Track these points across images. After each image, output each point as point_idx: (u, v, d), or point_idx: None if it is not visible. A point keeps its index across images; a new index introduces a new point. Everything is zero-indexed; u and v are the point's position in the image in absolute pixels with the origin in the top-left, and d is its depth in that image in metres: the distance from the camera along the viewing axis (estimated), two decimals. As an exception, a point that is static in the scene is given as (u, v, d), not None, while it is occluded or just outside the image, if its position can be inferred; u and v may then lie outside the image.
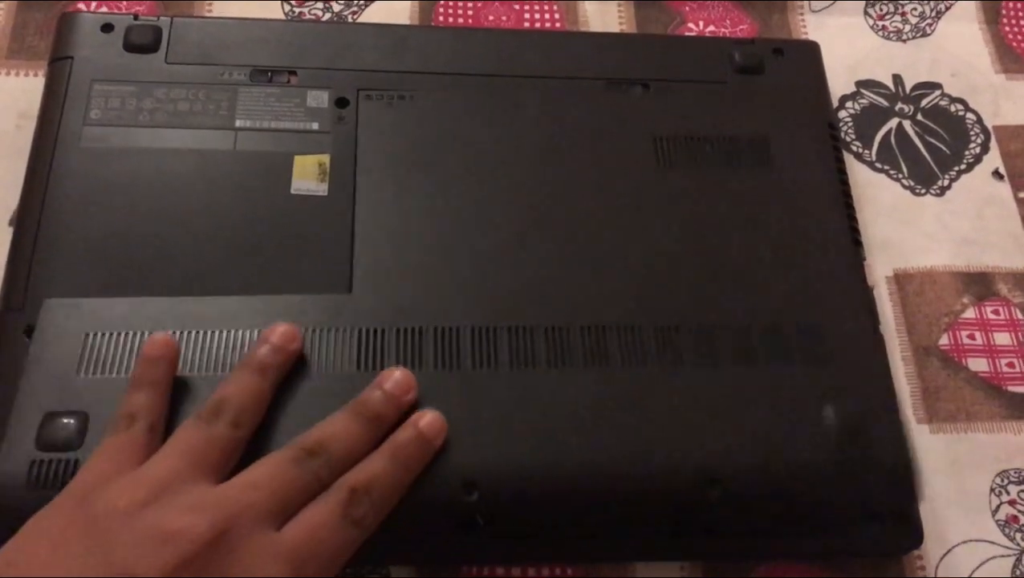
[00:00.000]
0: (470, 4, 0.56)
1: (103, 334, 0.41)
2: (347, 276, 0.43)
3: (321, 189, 0.46)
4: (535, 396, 0.41)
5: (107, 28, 0.49)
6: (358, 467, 0.36)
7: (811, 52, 0.54)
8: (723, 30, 0.57)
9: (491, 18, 0.56)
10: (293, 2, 0.55)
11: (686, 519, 0.41)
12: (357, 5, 0.55)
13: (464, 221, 0.45)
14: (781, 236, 0.47)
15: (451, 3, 0.56)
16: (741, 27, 0.58)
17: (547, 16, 0.56)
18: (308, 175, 0.46)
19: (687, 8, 0.58)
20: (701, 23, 0.57)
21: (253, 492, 0.34)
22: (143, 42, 0.48)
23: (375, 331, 0.42)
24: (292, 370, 0.40)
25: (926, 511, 0.43)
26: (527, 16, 0.56)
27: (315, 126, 0.47)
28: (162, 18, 0.49)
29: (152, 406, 0.38)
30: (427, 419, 0.39)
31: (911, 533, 0.42)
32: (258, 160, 0.46)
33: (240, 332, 0.41)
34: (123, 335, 0.41)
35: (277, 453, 0.36)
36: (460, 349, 0.42)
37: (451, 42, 0.51)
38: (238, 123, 0.47)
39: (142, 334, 0.41)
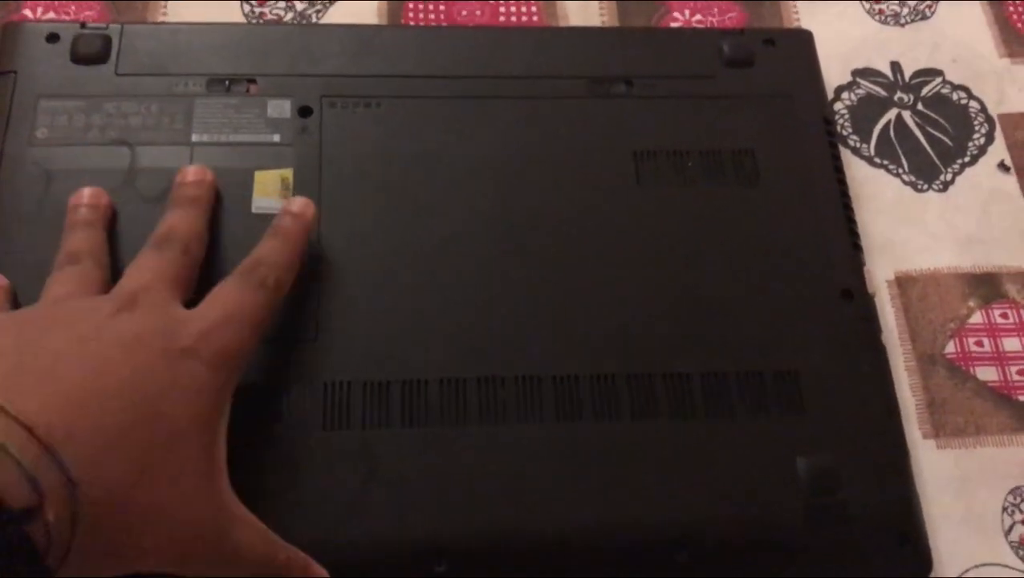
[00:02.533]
0: (441, 0, 0.53)
1: None
2: (314, 316, 0.41)
3: (284, 207, 0.43)
4: (504, 455, 0.39)
5: (53, 38, 0.46)
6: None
7: (804, 42, 0.51)
8: (710, 19, 0.54)
9: (464, 14, 0.53)
10: (254, 2, 0.52)
11: None
12: (321, 4, 0.52)
13: (432, 250, 0.43)
14: (769, 266, 0.44)
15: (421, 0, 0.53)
16: (730, 15, 0.54)
17: (523, 10, 0.53)
18: (270, 192, 0.43)
19: (672, -3, 0.55)
20: (687, 12, 0.54)
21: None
22: (91, 52, 0.45)
23: (341, 384, 0.40)
24: (255, 425, 0.38)
25: (934, 533, 0.41)
26: (502, 11, 0.53)
27: (277, 138, 0.44)
28: (111, 25, 0.46)
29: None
30: (297, 203, 0.40)
31: (919, 561, 0.40)
32: (216, 177, 0.43)
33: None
34: None
35: (142, 255, 0.37)
36: (428, 403, 0.40)
37: (421, 42, 0.48)
38: (194, 137, 0.44)
39: None
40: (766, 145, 0.47)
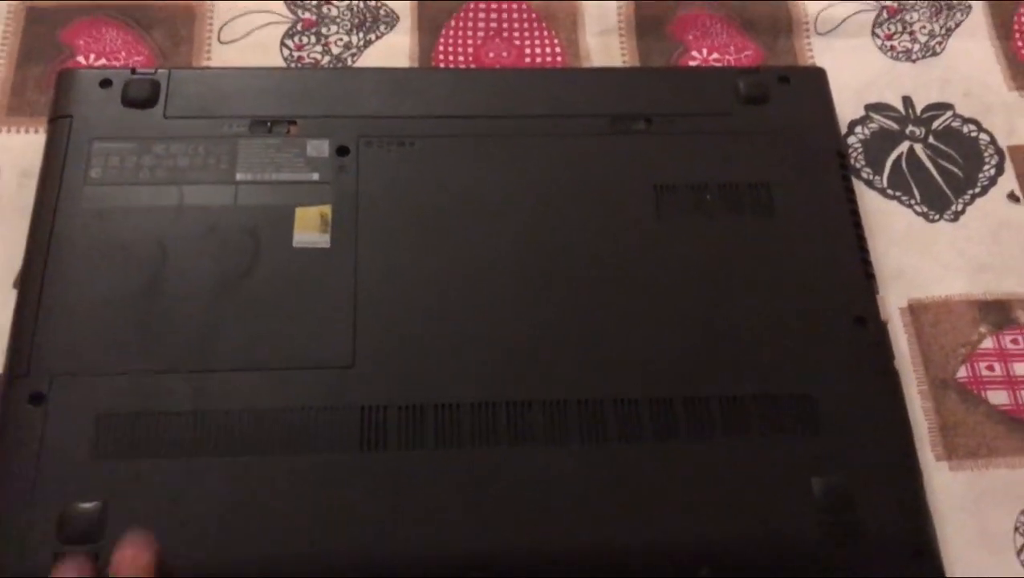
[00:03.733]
0: (470, 41, 0.56)
1: (115, 416, 0.41)
2: (350, 344, 0.43)
3: (323, 241, 0.45)
4: (533, 475, 0.41)
5: (105, 84, 0.49)
6: None
7: (818, 79, 0.53)
8: (727, 57, 0.56)
9: (491, 55, 0.55)
10: (292, 47, 0.55)
11: None
12: (356, 47, 0.55)
13: (463, 281, 0.45)
14: (785, 294, 0.46)
15: (451, 41, 0.56)
16: (746, 53, 0.57)
17: (548, 51, 0.56)
18: (310, 227, 0.46)
19: (690, 37, 0.57)
20: (704, 51, 0.57)
21: None
22: (141, 97, 0.48)
23: (376, 408, 0.42)
24: (296, 447, 0.41)
25: (948, 552, 0.42)
26: (528, 51, 0.56)
27: (316, 176, 0.47)
28: (159, 71, 0.49)
29: None
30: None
31: (933, 574, 0.41)
32: (260, 214, 0.46)
33: (245, 411, 0.41)
34: (135, 417, 0.41)
35: None
36: (460, 426, 0.42)
37: (451, 85, 0.51)
38: (239, 176, 0.47)
39: (152, 416, 0.41)
40: (781, 178, 0.49)
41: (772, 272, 0.47)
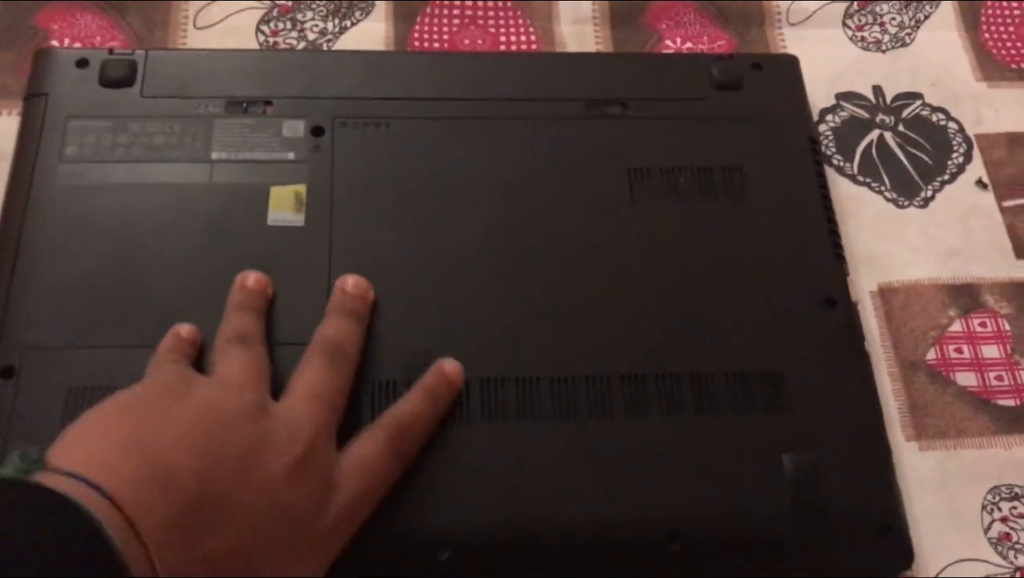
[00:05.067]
0: (445, 29, 0.56)
1: (86, 389, 0.41)
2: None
3: (298, 220, 0.45)
4: (505, 450, 0.41)
5: (82, 63, 0.49)
6: (399, 403, 0.40)
7: (790, 66, 0.53)
8: (701, 47, 0.57)
9: (467, 42, 0.56)
10: (268, 32, 0.55)
11: (649, 573, 0.41)
12: (332, 34, 0.55)
13: (435, 260, 0.45)
14: (756, 275, 0.46)
15: (426, 28, 0.56)
16: (719, 43, 0.57)
17: (523, 39, 0.56)
18: (284, 206, 0.46)
19: (664, 26, 0.58)
20: (678, 40, 0.57)
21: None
22: (118, 76, 0.48)
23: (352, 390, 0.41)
24: None
25: (917, 530, 0.43)
26: (503, 39, 0.56)
27: (291, 156, 0.47)
28: (137, 51, 0.49)
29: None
30: (450, 365, 0.42)
31: (901, 553, 0.42)
32: (235, 192, 0.46)
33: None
34: (106, 391, 0.40)
35: (318, 365, 0.39)
36: None
37: (427, 67, 0.51)
38: (214, 155, 0.47)
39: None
40: (754, 163, 0.49)
41: (744, 254, 0.47)
